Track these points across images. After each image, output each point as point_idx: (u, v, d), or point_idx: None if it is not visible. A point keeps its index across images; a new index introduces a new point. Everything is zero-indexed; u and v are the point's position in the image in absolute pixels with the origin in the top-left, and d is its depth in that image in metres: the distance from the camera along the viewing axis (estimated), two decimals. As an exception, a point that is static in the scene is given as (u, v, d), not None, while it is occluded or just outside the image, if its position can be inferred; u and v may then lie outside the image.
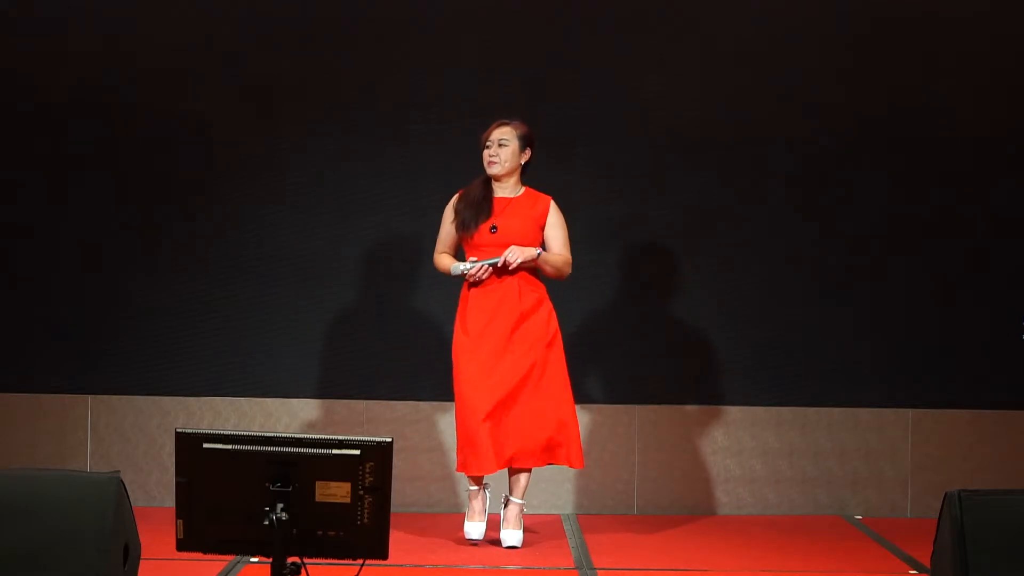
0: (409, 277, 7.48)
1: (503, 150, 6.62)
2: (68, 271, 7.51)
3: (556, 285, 7.04)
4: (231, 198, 7.54)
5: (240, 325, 7.52)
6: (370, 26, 7.55)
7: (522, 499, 6.60)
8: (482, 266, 6.52)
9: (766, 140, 7.58)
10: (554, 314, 6.64)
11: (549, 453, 6.58)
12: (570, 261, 6.68)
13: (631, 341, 7.57)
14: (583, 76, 7.56)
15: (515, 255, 6.49)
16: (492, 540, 6.66)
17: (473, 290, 6.59)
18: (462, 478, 7.10)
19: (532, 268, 6.60)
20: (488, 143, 6.63)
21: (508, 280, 6.57)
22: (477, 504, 6.61)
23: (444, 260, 6.69)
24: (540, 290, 6.64)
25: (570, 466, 6.63)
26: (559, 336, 6.62)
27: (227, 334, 7.52)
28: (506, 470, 6.64)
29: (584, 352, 7.48)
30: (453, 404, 6.97)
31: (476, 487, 6.59)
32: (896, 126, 7.59)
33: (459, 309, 6.64)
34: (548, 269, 6.62)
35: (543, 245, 6.66)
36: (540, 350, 6.56)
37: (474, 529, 6.58)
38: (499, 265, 6.52)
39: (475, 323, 6.56)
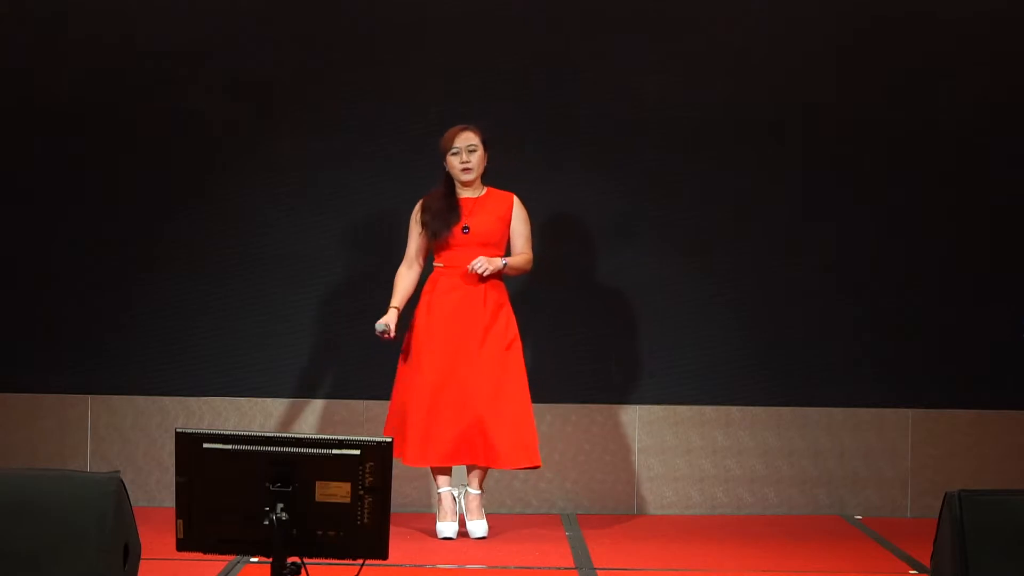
0: (409, 277, 7.48)
1: (474, 155, 6.77)
2: (68, 271, 7.51)
3: (555, 285, 7.05)
4: (231, 198, 7.54)
5: (240, 325, 7.52)
6: (370, 26, 7.55)
7: (479, 489, 6.75)
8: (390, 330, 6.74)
9: (766, 140, 7.58)
10: (513, 317, 6.79)
11: (507, 456, 6.67)
12: (531, 258, 6.86)
13: (631, 341, 7.56)
14: (583, 76, 7.56)
15: (483, 266, 6.66)
16: (458, 533, 6.67)
17: (439, 291, 6.74)
18: (460, 478, 7.10)
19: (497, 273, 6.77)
20: (455, 149, 6.75)
21: (474, 284, 6.71)
22: (448, 504, 6.76)
23: (398, 279, 6.85)
24: (503, 294, 6.80)
25: (531, 467, 6.75)
26: (518, 339, 6.77)
27: (227, 334, 7.52)
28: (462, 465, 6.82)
29: (583, 352, 7.48)
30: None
31: (447, 488, 6.77)
32: (896, 125, 7.59)
33: (422, 303, 6.79)
34: (513, 273, 6.81)
35: (508, 241, 6.82)
36: (500, 353, 6.70)
37: (447, 528, 6.74)
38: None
39: (440, 322, 6.72)
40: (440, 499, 6.79)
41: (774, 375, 7.57)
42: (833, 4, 7.59)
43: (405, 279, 6.86)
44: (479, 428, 6.65)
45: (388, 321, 6.75)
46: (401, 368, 6.85)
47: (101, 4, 7.53)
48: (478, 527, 6.72)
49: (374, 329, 6.75)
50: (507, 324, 6.76)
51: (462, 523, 6.79)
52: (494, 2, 7.60)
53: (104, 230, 7.51)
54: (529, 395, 6.76)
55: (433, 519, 6.92)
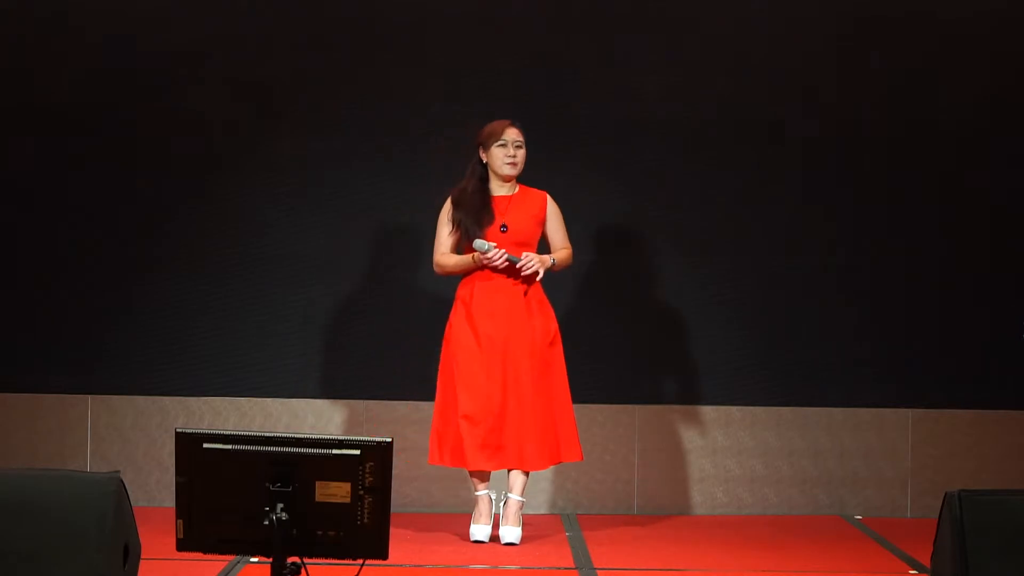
0: (409, 277, 7.48)
1: (520, 151, 6.62)
2: (68, 271, 7.51)
3: (555, 286, 7.04)
4: (230, 198, 7.54)
5: (240, 325, 7.52)
6: (370, 26, 7.55)
7: (522, 496, 6.60)
8: (503, 255, 6.49)
9: (766, 140, 7.58)
10: (553, 313, 6.70)
11: (553, 454, 6.62)
12: (572, 252, 6.76)
13: (631, 341, 7.57)
14: (583, 76, 7.56)
15: (536, 265, 6.51)
16: (491, 538, 6.66)
17: (479, 293, 6.59)
18: (463, 478, 7.10)
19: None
20: (503, 141, 6.59)
21: (517, 284, 6.59)
22: (484, 507, 6.61)
23: (450, 258, 6.63)
24: (541, 291, 6.66)
25: (572, 460, 6.68)
26: (559, 335, 6.67)
27: (227, 334, 7.52)
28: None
29: (584, 352, 7.47)
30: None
31: (484, 491, 6.60)
32: (896, 126, 7.59)
33: (459, 303, 6.64)
34: (557, 270, 6.68)
35: (544, 239, 6.71)
36: (543, 351, 6.60)
37: (480, 531, 6.59)
38: (515, 265, 6.52)
39: (482, 323, 6.57)
40: (477, 501, 6.61)
41: (774, 375, 7.58)
42: (833, 4, 7.59)
43: (452, 255, 6.64)
44: (542, 430, 6.53)
45: (490, 244, 6.48)
46: (450, 373, 6.61)
47: (101, 4, 7.53)
48: (511, 532, 6.53)
49: (479, 250, 6.46)
50: (549, 319, 6.64)
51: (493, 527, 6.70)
52: (494, 2, 7.60)
53: (104, 230, 7.51)
54: (569, 390, 6.68)
55: (432, 519, 6.93)
